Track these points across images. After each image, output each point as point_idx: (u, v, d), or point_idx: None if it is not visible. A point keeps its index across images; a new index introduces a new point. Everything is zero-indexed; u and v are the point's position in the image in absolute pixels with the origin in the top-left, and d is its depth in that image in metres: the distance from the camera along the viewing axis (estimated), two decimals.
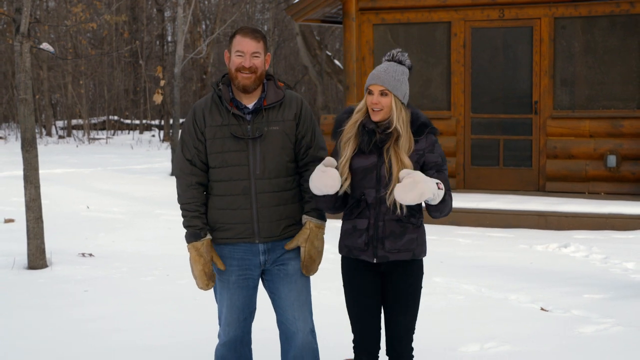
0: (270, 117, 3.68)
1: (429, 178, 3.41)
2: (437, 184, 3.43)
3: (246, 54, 3.61)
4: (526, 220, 9.60)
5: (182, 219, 3.75)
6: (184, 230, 3.75)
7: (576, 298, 6.27)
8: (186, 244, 3.71)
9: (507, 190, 10.71)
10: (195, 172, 3.70)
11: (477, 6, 10.71)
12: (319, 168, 3.52)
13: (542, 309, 6.00)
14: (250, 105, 3.68)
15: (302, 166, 3.79)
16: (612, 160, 10.12)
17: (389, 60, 3.63)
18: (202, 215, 3.71)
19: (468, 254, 8.16)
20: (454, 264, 7.61)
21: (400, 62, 3.63)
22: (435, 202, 3.45)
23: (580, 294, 6.40)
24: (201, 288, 3.72)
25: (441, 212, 3.53)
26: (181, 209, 3.73)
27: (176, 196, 3.82)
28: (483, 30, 10.78)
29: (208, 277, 3.70)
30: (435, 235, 8.76)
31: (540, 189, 10.63)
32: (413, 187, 3.35)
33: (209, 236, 3.72)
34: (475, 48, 10.81)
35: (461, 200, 10.03)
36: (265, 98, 3.68)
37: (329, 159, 3.53)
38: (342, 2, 11.00)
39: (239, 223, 3.68)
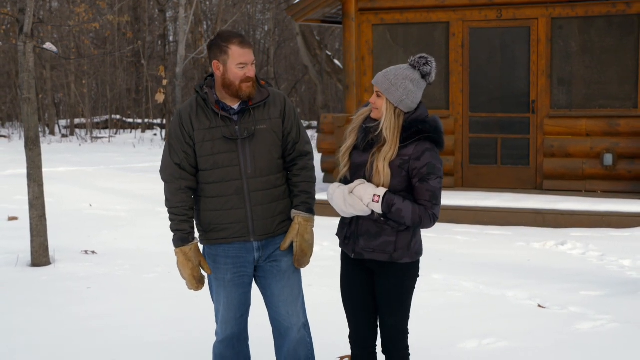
0: (257, 116, 3.70)
1: (367, 192, 3.42)
2: (374, 195, 3.43)
3: (248, 64, 3.63)
4: (524, 218, 9.66)
5: (169, 223, 3.75)
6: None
7: (573, 295, 6.30)
8: (174, 248, 3.72)
9: (504, 188, 10.75)
10: (185, 176, 3.71)
11: (475, 6, 10.76)
12: (344, 191, 3.52)
13: (539, 305, 6.03)
14: (236, 106, 3.70)
15: (290, 161, 3.82)
16: (608, 158, 10.17)
17: (409, 63, 3.53)
18: (190, 219, 3.73)
19: (466, 251, 8.19)
20: (453, 261, 7.65)
21: (413, 67, 3.50)
22: (376, 213, 3.47)
23: (577, 291, 6.43)
24: (191, 289, 3.77)
25: (399, 222, 3.49)
26: (169, 212, 3.74)
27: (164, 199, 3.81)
28: (481, 31, 10.84)
29: (197, 281, 3.74)
30: (434, 233, 8.78)
31: (537, 187, 10.68)
32: (344, 199, 3.47)
33: (196, 240, 3.75)
34: (474, 48, 10.86)
35: (459, 199, 10.09)
36: (251, 98, 3.69)
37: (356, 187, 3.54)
38: (342, 2, 11.06)
39: (234, 223, 3.70)
